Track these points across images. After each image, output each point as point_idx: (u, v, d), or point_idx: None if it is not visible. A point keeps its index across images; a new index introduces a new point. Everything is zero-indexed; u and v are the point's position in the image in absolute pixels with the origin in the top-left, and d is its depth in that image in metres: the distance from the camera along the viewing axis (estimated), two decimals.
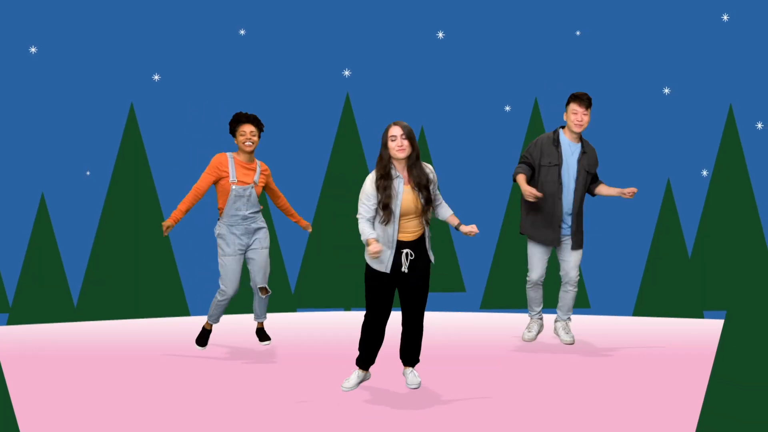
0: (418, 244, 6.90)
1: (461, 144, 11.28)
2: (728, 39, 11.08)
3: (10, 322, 10.63)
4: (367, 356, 7.05)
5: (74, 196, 10.89)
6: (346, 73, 11.22)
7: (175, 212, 8.51)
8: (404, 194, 6.80)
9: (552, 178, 8.68)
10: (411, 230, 6.86)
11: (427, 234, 6.93)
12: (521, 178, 8.57)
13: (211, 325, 8.94)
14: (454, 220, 7.03)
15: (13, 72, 10.81)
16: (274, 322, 10.13)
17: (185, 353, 8.68)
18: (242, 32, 11.16)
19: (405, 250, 6.82)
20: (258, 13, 11.19)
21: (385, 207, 6.74)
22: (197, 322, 10.27)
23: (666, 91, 11.09)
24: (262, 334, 9.01)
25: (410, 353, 7.13)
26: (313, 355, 8.51)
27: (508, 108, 11.22)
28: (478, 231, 6.93)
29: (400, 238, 6.83)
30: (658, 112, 11.12)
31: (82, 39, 10.91)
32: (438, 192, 6.97)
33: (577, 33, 11.19)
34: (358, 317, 8.88)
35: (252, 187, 8.63)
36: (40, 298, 10.70)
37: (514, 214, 11.10)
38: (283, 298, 11.13)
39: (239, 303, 10.74)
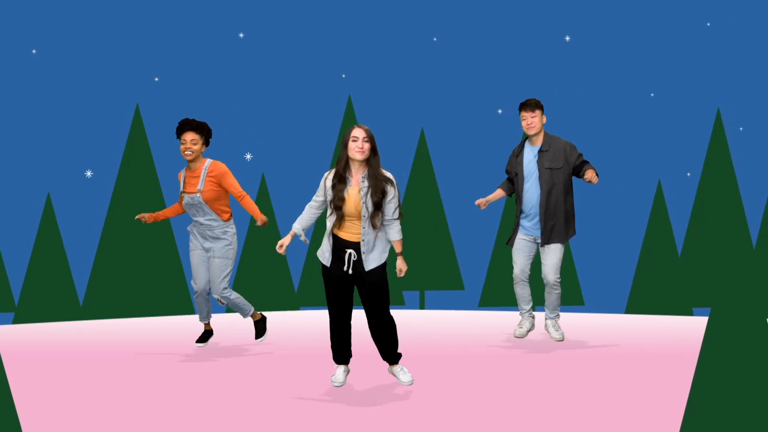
0: (360, 247, 6.87)
1: (460, 145, 11.35)
2: (716, 44, 11.18)
3: (15, 321, 10.63)
4: (339, 351, 7.10)
5: (80, 196, 10.93)
6: (344, 75, 11.26)
7: (156, 213, 8.69)
8: (347, 196, 6.80)
9: (517, 187, 8.99)
10: (353, 231, 6.85)
11: (367, 239, 6.84)
12: (496, 191, 9.13)
13: (210, 327, 8.93)
14: (397, 247, 6.95)
15: (19, 73, 10.86)
16: (275, 321, 10.14)
17: (185, 351, 8.64)
18: (241, 35, 11.20)
19: (348, 251, 6.85)
20: (257, 16, 11.22)
21: (337, 209, 6.81)
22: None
23: (651, 95, 11.19)
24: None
25: (386, 352, 7.13)
26: (312, 355, 8.47)
27: (500, 111, 11.30)
28: (404, 270, 6.96)
29: (342, 237, 6.85)
30: (648, 116, 11.22)
31: (86, 41, 10.96)
32: (394, 209, 6.86)
33: (567, 38, 11.27)
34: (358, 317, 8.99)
35: (198, 196, 8.44)
36: (45, 297, 10.73)
37: (511, 214, 11.11)
38: (287, 297, 11.14)
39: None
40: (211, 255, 8.52)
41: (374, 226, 6.78)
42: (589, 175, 8.75)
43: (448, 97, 11.37)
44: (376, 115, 11.24)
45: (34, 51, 10.77)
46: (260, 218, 8.42)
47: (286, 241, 6.94)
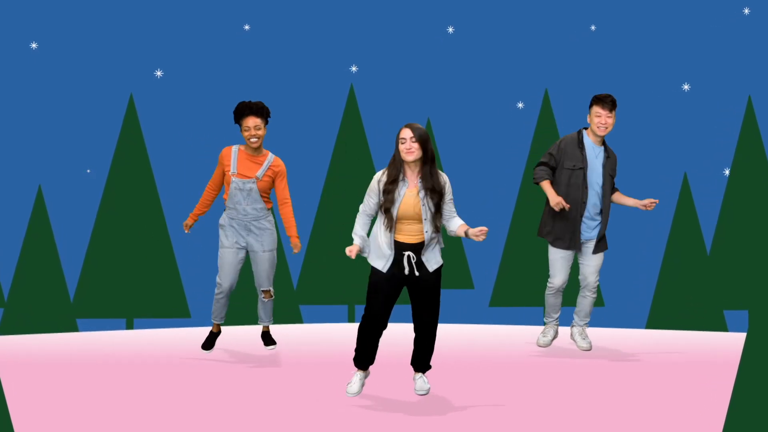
0: (420, 249, 6.87)
1: (469, 138, 11.22)
2: (745, 30, 11.00)
3: (5, 317, 10.61)
4: (364, 355, 7.06)
5: (72, 189, 10.86)
6: (354, 68, 11.21)
7: (192, 214, 8.63)
8: (405, 198, 6.82)
9: (576, 181, 8.54)
10: (411, 233, 6.86)
11: (428, 241, 6.86)
12: (546, 185, 8.53)
13: (219, 327, 8.83)
14: (462, 230, 6.93)
15: (14, 67, 10.81)
16: (276, 329, 10.02)
17: (189, 357, 8.66)
18: (247, 27, 11.15)
19: (407, 253, 6.85)
20: (263, 8, 11.18)
21: (386, 211, 6.83)
22: (199, 322, 10.41)
23: (685, 87, 11.03)
24: (267, 338, 8.88)
25: (420, 360, 7.11)
26: (319, 363, 8.46)
27: (521, 105, 11.18)
28: (486, 230, 6.81)
29: (400, 240, 6.85)
30: (673, 105, 11.03)
31: (85, 32, 10.89)
32: (452, 206, 6.97)
33: (592, 28, 11.13)
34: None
35: (253, 182, 8.38)
36: (36, 293, 10.65)
37: (523, 210, 11.01)
38: (286, 294, 11.03)
39: (244, 312, 10.61)
40: (260, 248, 8.47)
41: (436, 229, 6.86)
42: (651, 202, 8.64)
43: (459, 88, 11.19)
44: (380, 107, 11.16)
45: (33, 45, 10.80)
46: (296, 244, 8.53)
47: (355, 249, 6.86)
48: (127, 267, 10.80)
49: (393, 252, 6.84)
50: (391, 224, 6.79)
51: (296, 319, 11.03)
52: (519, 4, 11.14)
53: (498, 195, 11.10)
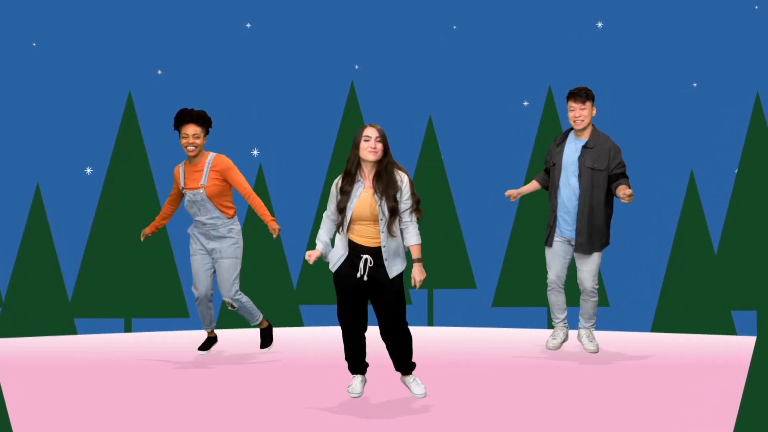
0: (378, 252, 6.79)
1: (471, 136, 11.22)
2: (753, 26, 10.97)
3: (2, 316, 10.64)
4: (354, 361, 7.02)
5: (70, 188, 10.89)
6: (357, 67, 11.21)
7: (152, 224, 8.66)
8: (360, 198, 6.76)
9: (554, 179, 8.63)
10: (368, 235, 6.78)
11: (385, 244, 6.77)
12: (530, 184, 8.87)
13: (214, 333, 8.84)
14: (414, 252, 6.81)
15: (11, 64, 10.85)
16: (276, 332, 10.00)
17: (188, 359, 8.70)
18: (248, 25, 11.16)
19: (365, 256, 6.77)
20: (264, 6, 11.22)
21: (340, 210, 6.76)
22: (198, 323, 10.28)
23: (694, 84, 11.00)
24: (263, 336, 8.88)
25: (399, 362, 7.05)
26: (319, 365, 8.45)
27: (526, 103, 11.17)
28: (421, 280, 6.78)
29: (358, 242, 6.79)
30: (680, 103, 11.00)
31: (83, 30, 10.93)
32: (409, 210, 6.78)
33: (599, 25, 11.13)
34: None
35: (201, 192, 8.32)
36: (34, 293, 10.68)
37: (526, 209, 10.99)
38: (286, 295, 11.05)
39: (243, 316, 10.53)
40: (218, 256, 8.44)
41: (391, 233, 6.74)
42: (624, 191, 8.29)
43: (460, 85, 11.19)
44: (381, 102, 11.18)
45: (34, 44, 10.86)
46: (274, 228, 8.33)
47: (315, 254, 6.86)
48: (125, 266, 10.84)
49: (346, 252, 6.77)
50: (343, 223, 6.71)
51: (297, 322, 11.02)
52: (525, 1, 11.16)
53: (501, 194, 10.79)
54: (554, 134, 10.82)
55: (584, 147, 8.48)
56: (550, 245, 8.66)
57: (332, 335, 10.16)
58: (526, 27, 11.14)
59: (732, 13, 10.94)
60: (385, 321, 6.83)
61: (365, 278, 6.75)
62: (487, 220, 11.16)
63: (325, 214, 6.90)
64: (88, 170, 10.89)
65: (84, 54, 10.91)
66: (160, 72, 10.97)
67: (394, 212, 6.70)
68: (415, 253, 6.78)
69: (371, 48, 11.20)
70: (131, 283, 10.83)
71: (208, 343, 8.84)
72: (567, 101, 8.56)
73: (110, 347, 9.55)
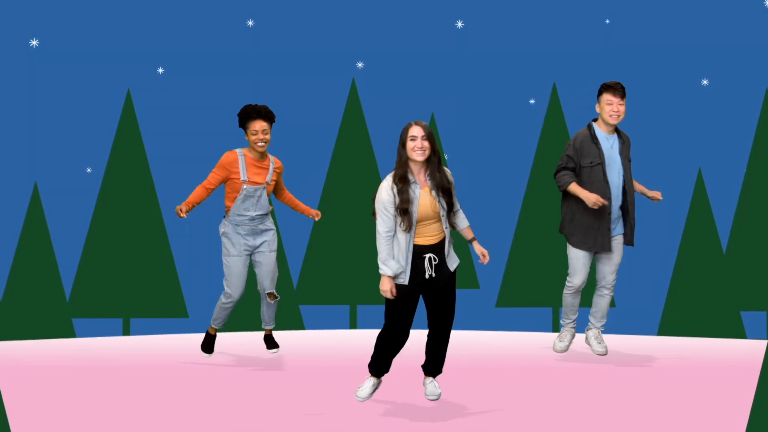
0: (440, 249, 6.75)
1: (475, 133, 11.23)
2: (762, 23, 10.98)
3: (0, 314, 10.66)
4: (381, 365, 6.97)
5: (68, 186, 10.90)
6: (360, 65, 11.23)
7: (186, 202, 8.41)
8: (421, 198, 6.66)
9: (597, 177, 8.33)
10: (431, 234, 6.72)
11: (448, 239, 6.79)
12: (575, 187, 8.28)
13: (216, 330, 8.79)
14: (468, 234, 6.96)
15: (9, 63, 10.88)
16: (277, 335, 9.95)
17: (190, 361, 8.73)
18: (250, 23, 11.18)
19: (428, 255, 6.68)
20: (266, 4, 11.24)
21: (404, 212, 6.60)
22: (197, 323, 10.45)
23: (704, 82, 11.03)
24: (270, 341, 8.86)
25: (432, 364, 7.03)
26: (322, 367, 8.49)
27: (533, 101, 11.19)
28: (488, 259, 6.88)
29: (420, 243, 6.69)
30: (689, 100, 11.02)
31: (82, 28, 10.94)
32: (455, 200, 6.87)
33: (607, 21, 11.13)
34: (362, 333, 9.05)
35: (263, 188, 8.41)
36: (32, 293, 10.69)
37: (530, 208, 11.01)
38: (286, 295, 11.01)
39: (244, 317, 10.64)
40: (267, 249, 8.50)
41: (453, 226, 6.85)
42: (654, 194, 8.63)
43: (463, 83, 11.20)
44: (382, 100, 11.18)
45: (33, 43, 10.90)
46: (316, 212, 8.74)
47: (392, 283, 6.66)
48: (123, 266, 10.85)
49: (410, 259, 6.66)
50: (411, 225, 6.57)
51: (297, 324, 11.00)
52: None
53: (504, 191, 11.12)
54: (558, 132, 10.83)
55: (621, 142, 8.40)
56: (611, 249, 8.42)
57: (332, 336, 10.23)
58: (531, 23, 11.14)
59: (741, 11, 10.96)
60: (441, 317, 6.77)
61: (433, 275, 6.66)
62: (491, 219, 11.09)
63: (380, 230, 6.63)
64: (89, 170, 10.93)
65: (83, 52, 10.94)
66: (161, 70, 11.00)
67: (450, 206, 6.71)
68: (470, 233, 6.92)
69: (373, 45, 11.21)
70: (130, 283, 10.84)
71: (210, 340, 8.76)
72: (600, 94, 8.33)
73: (109, 349, 9.57)
